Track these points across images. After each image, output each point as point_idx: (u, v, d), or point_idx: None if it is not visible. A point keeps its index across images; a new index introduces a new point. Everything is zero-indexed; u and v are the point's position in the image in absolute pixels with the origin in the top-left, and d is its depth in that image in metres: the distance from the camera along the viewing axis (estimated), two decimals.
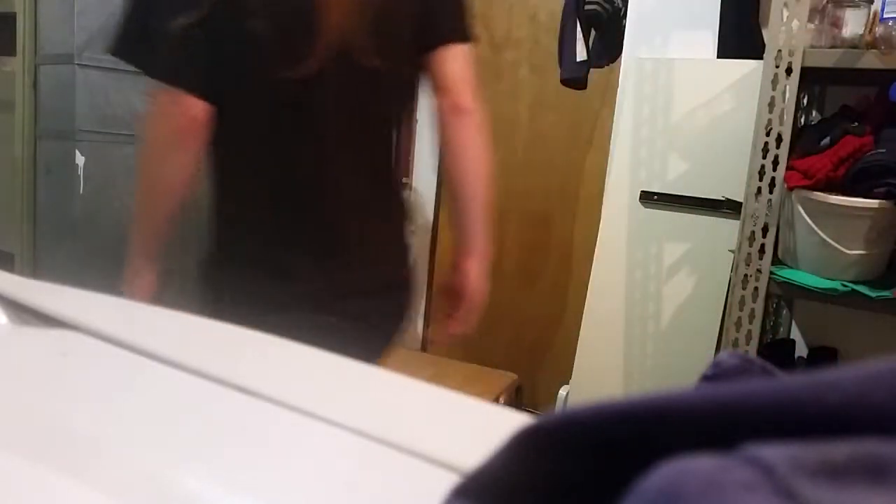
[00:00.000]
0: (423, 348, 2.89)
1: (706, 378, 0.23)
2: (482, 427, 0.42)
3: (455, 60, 1.06)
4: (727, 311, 1.53)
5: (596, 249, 2.07)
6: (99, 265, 1.73)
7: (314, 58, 0.95)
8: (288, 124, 1.00)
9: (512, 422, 0.30)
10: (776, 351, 1.86)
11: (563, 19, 2.10)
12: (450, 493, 0.21)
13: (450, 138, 1.08)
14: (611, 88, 2.29)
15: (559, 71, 2.12)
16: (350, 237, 1.04)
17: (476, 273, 1.08)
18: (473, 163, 1.08)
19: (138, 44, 1.00)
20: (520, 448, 0.21)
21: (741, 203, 1.48)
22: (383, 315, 1.09)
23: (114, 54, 1.05)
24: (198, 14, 0.93)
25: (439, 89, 1.06)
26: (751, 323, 1.47)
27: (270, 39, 0.94)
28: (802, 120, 1.83)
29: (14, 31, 2.02)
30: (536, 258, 2.67)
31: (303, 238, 1.02)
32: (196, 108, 0.96)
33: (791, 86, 1.38)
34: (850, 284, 1.40)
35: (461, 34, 1.08)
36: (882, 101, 1.47)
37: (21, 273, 0.61)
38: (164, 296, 1.06)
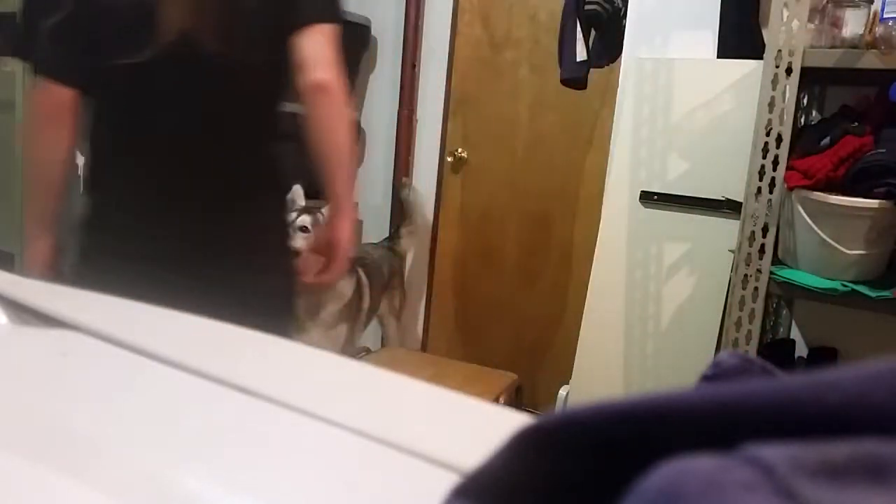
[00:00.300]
0: (423, 348, 2.89)
1: (706, 378, 0.23)
2: (482, 427, 0.42)
3: (316, 40, 1.13)
4: (727, 311, 1.53)
5: (596, 249, 2.07)
6: None
7: (154, 44, 1.06)
8: (141, 107, 1.13)
9: (512, 422, 0.30)
10: (776, 351, 1.86)
11: (563, 19, 2.10)
12: (450, 493, 0.21)
13: (311, 115, 1.17)
14: (611, 88, 2.29)
15: (559, 71, 2.12)
16: (212, 210, 1.15)
17: (347, 230, 1.22)
18: (334, 137, 1.18)
19: (29, 44, 1.13)
20: (520, 448, 0.21)
21: (741, 203, 1.48)
22: (254, 290, 1.16)
23: (13, 55, 1.18)
24: (61, 13, 1.07)
25: (300, 68, 1.13)
26: (751, 323, 1.47)
27: (115, 28, 1.08)
28: (802, 120, 1.83)
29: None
30: (536, 258, 2.67)
31: (166, 209, 1.14)
32: (63, 96, 1.11)
33: (791, 86, 1.38)
34: (850, 284, 1.40)
35: (323, 14, 1.14)
36: (882, 101, 1.47)
37: (21, 273, 0.61)
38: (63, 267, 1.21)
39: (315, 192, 2.13)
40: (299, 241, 1.89)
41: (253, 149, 1.22)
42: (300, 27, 1.12)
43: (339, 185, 1.20)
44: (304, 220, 1.94)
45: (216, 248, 1.15)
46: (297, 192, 2.07)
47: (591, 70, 2.10)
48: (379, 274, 2.35)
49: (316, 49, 1.13)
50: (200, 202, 1.14)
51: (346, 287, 2.06)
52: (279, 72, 1.17)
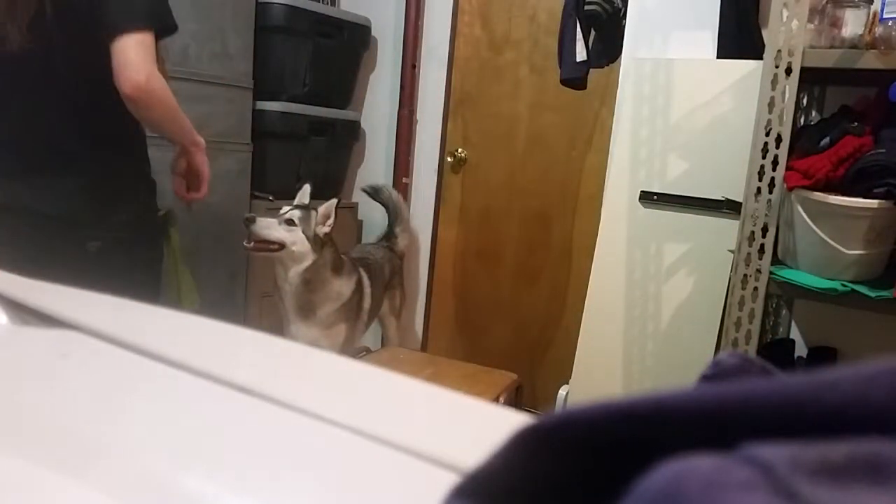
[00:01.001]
0: (423, 348, 2.89)
1: (706, 378, 0.23)
2: (482, 427, 0.42)
3: (123, 48, 1.27)
4: (727, 310, 1.53)
5: (596, 249, 2.07)
6: None
7: None
8: None
9: (512, 422, 0.30)
10: (776, 351, 1.86)
11: (562, 19, 2.10)
12: (449, 493, 0.21)
13: (133, 112, 1.34)
14: (611, 89, 2.30)
15: (559, 71, 2.12)
16: (63, 183, 1.38)
17: (200, 159, 1.51)
18: (159, 127, 1.42)
19: None
20: (519, 448, 0.21)
21: (741, 203, 1.48)
22: (115, 238, 1.43)
23: None
24: None
25: (113, 75, 1.28)
26: (750, 323, 1.47)
27: None
28: (802, 120, 1.83)
29: None
30: (536, 258, 2.67)
31: (26, 178, 1.39)
32: None
33: (791, 86, 1.38)
34: (849, 284, 1.40)
35: (130, 23, 1.27)
36: (882, 102, 1.47)
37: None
38: None
39: (321, 193, 2.15)
40: (282, 233, 1.91)
41: (90, 137, 1.40)
42: (110, 35, 1.26)
43: (179, 142, 1.48)
44: (294, 214, 1.95)
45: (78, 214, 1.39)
46: (305, 191, 2.08)
47: (591, 70, 2.10)
48: (381, 274, 2.35)
49: (122, 57, 1.26)
50: (51, 179, 1.38)
51: (344, 287, 2.06)
52: (101, 74, 1.29)
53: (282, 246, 1.92)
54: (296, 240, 1.93)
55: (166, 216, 1.60)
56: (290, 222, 1.93)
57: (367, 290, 2.20)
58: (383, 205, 2.60)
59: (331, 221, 1.98)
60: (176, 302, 1.66)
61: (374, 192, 2.60)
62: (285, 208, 1.99)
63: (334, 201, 2.00)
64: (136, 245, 1.46)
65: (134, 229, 1.46)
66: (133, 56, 1.26)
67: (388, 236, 2.58)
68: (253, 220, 1.89)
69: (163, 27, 1.34)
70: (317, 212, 1.98)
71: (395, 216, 2.58)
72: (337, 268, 2.04)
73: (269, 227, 1.91)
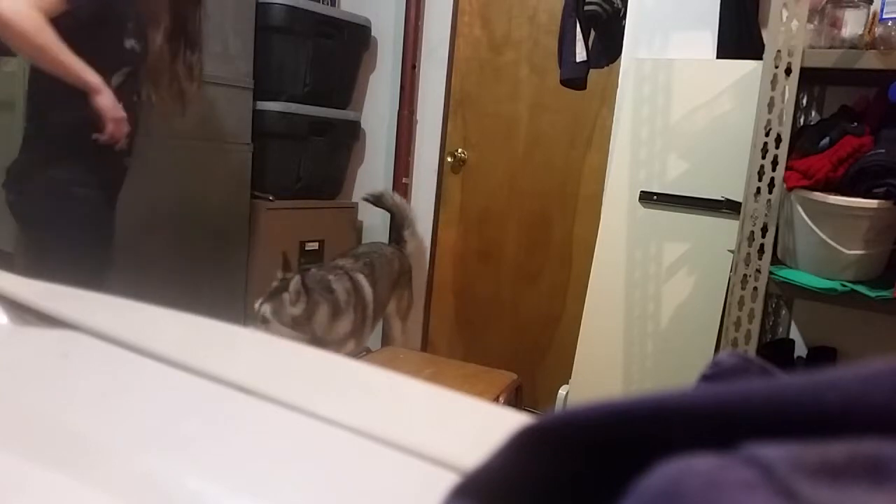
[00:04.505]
0: (423, 348, 2.89)
1: (706, 378, 0.23)
2: (482, 427, 0.42)
3: None
4: (726, 310, 1.53)
5: (595, 249, 2.06)
6: None
7: None
8: None
9: (512, 422, 0.30)
10: (775, 350, 1.86)
11: (562, 20, 2.10)
12: (450, 493, 0.21)
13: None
14: (610, 89, 2.29)
15: (559, 71, 2.12)
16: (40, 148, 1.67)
17: (101, 101, 1.56)
18: (37, 63, 1.51)
19: None
20: (519, 448, 0.21)
21: (740, 203, 1.48)
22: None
23: None
24: None
25: None
26: (750, 323, 1.47)
27: None
28: (802, 120, 1.83)
29: None
30: (536, 258, 2.67)
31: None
32: None
33: (790, 86, 1.38)
34: (849, 284, 1.40)
35: None
36: (881, 102, 1.47)
37: (21, 273, 0.61)
38: None
39: (321, 192, 2.12)
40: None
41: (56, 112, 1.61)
42: None
43: (68, 78, 1.51)
44: (265, 310, 1.84)
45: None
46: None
47: (591, 70, 2.10)
48: (390, 269, 2.33)
49: None
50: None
51: (343, 325, 2.02)
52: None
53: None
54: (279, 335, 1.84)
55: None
56: (264, 321, 1.83)
57: (367, 289, 2.16)
58: (387, 210, 2.58)
59: (304, 298, 1.87)
60: None
61: (376, 199, 2.56)
62: (256, 304, 1.88)
63: (298, 279, 1.86)
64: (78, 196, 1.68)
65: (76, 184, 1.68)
66: None
67: (397, 241, 2.56)
68: None
69: None
70: (288, 292, 1.86)
71: (402, 220, 2.55)
72: (336, 312, 1.97)
73: None
